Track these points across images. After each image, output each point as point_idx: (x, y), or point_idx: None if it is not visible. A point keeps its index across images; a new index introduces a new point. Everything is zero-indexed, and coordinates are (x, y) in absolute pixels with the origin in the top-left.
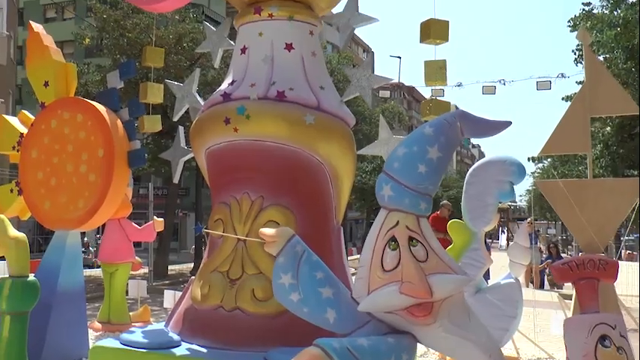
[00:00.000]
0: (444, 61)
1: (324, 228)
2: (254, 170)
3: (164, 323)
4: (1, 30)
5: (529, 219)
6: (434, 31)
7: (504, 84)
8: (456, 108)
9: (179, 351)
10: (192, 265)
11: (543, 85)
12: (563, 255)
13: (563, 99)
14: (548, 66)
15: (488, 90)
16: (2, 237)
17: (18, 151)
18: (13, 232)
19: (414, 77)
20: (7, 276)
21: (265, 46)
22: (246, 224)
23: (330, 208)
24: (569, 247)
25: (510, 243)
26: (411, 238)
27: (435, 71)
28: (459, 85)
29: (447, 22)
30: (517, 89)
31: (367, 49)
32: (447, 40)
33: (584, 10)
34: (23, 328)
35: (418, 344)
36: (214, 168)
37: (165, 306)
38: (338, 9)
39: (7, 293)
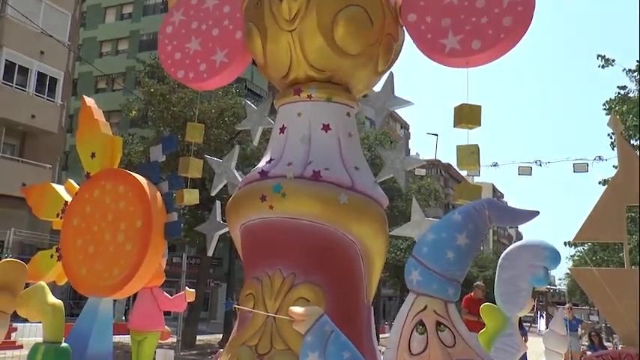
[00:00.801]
0: (476, 146)
1: (354, 307)
2: (287, 247)
3: None
4: (55, 99)
5: (568, 304)
6: (466, 115)
7: (540, 165)
8: (493, 187)
9: None
10: (220, 336)
11: (580, 168)
12: (607, 344)
13: (600, 182)
14: (586, 148)
15: (525, 171)
16: (41, 303)
17: (61, 218)
18: (51, 298)
19: (451, 154)
20: (42, 341)
21: (303, 126)
22: (277, 300)
23: (360, 288)
24: (614, 335)
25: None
26: (438, 323)
27: (468, 156)
28: (494, 165)
29: (479, 107)
30: (554, 171)
31: (405, 126)
32: (479, 124)
33: (619, 93)
34: None
35: None
36: (248, 243)
37: None
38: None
39: (40, 358)
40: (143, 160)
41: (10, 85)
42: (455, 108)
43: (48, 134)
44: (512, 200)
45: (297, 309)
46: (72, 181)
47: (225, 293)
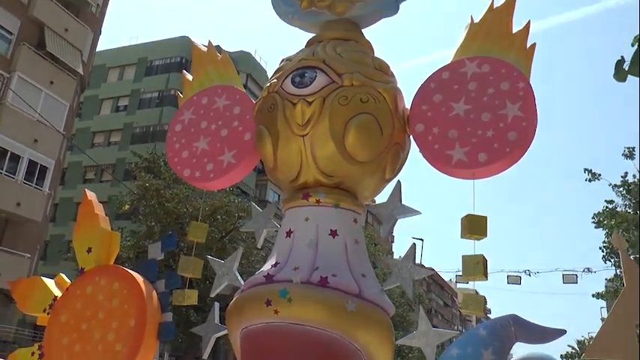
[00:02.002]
0: (482, 256)
1: None
2: (292, 353)
3: None
4: (43, 188)
5: None
6: (473, 226)
7: (530, 275)
8: (484, 300)
9: None
10: None
11: (569, 279)
12: None
13: (594, 296)
14: (574, 259)
15: (514, 280)
16: None
17: (48, 314)
18: None
19: (434, 259)
20: None
21: (311, 230)
22: None
23: None
24: None
25: None
26: None
27: (473, 266)
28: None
29: (485, 218)
30: (543, 281)
31: None
32: (485, 235)
33: (607, 207)
34: None
35: None
36: (249, 348)
37: None
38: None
39: None
40: (131, 254)
41: None
42: (462, 219)
43: (31, 222)
44: (498, 310)
45: None
46: (63, 276)
47: None
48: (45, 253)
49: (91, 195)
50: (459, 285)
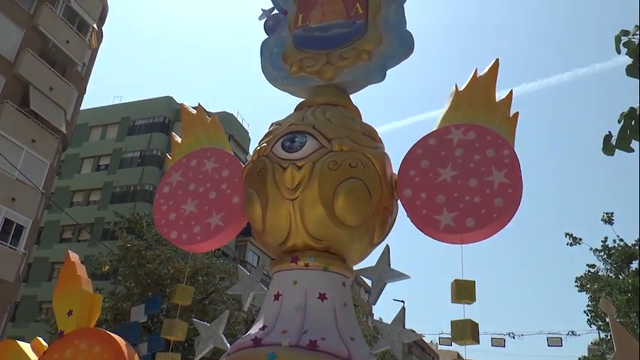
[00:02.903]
0: (470, 321)
1: None
2: None
3: None
4: (18, 248)
5: None
6: (462, 292)
7: (514, 337)
8: (458, 355)
9: None
10: None
11: (554, 342)
12: None
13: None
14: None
15: (498, 342)
16: None
17: None
18: None
19: (415, 321)
20: None
21: (299, 294)
22: None
23: None
24: None
25: None
26: None
27: (463, 331)
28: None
29: (473, 283)
30: (527, 344)
31: (369, 290)
32: (474, 300)
33: (589, 271)
34: None
35: None
36: None
37: None
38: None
39: None
40: (109, 316)
41: None
42: (451, 284)
43: (2, 283)
44: None
45: None
46: (40, 339)
47: None
48: (14, 314)
49: (73, 256)
50: (440, 347)
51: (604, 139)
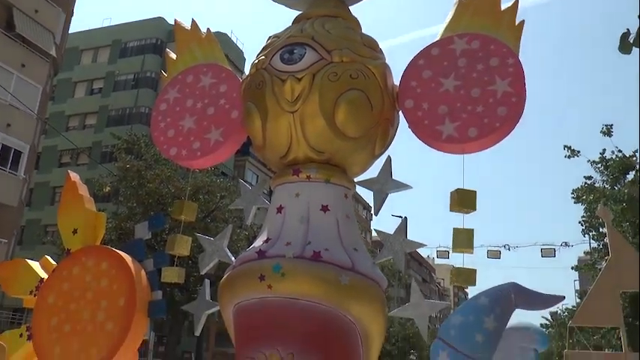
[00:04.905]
0: (472, 230)
1: None
2: (285, 327)
3: None
4: (18, 173)
5: None
6: (462, 200)
7: (509, 249)
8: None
9: None
10: None
11: (548, 253)
12: None
13: (572, 268)
14: (552, 235)
15: (494, 254)
16: None
17: (35, 295)
18: None
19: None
20: None
21: (302, 206)
22: None
23: None
24: None
25: None
26: None
27: (463, 240)
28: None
29: (474, 192)
30: (522, 255)
31: (367, 207)
32: (474, 209)
33: (585, 183)
34: None
35: None
36: (243, 323)
37: None
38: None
39: None
40: (114, 236)
41: None
42: (451, 193)
43: (6, 208)
44: (478, 284)
45: None
46: (49, 258)
47: None
48: (21, 238)
49: (74, 176)
50: (437, 261)
51: (621, 37)
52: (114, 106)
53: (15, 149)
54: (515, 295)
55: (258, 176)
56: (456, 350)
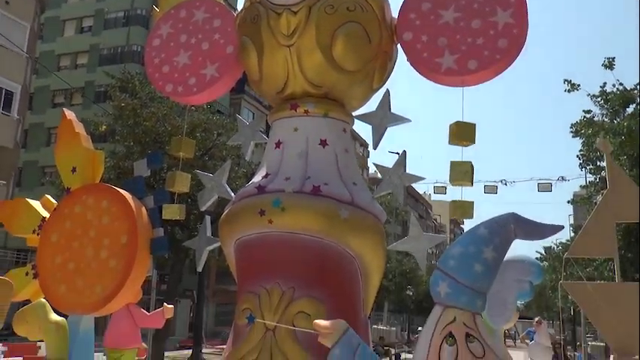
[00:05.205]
0: (470, 163)
1: (354, 321)
2: (286, 261)
3: None
4: (11, 114)
5: (537, 318)
6: (461, 133)
7: (506, 184)
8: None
9: None
10: (189, 352)
11: (544, 187)
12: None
13: (569, 202)
14: (548, 168)
15: (490, 189)
16: (43, 322)
17: (38, 234)
18: (53, 317)
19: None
20: None
21: (300, 141)
22: (276, 314)
23: (359, 302)
24: (569, 347)
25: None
26: (467, 335)
27: (461, 173)
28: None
29: (473, 125)
30: (518, 190)
31: (364, 144)
32: (473, 142)
33: (585, 117)
34: None
35: None
36: (244, 258)
37: None
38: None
39: None
40: (112, 175)
41: None
42: (450, 125)
43: (2, 149)
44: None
45: (323, 322)
46: (49, 197)
47: (189, 309)
48: (20, 180)
49: (69, 114)
50: (433, 197)
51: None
52: (105, 45)
53: (6, 89)
54: (515, 226)
55: (254, 114)
56: (456, 281)
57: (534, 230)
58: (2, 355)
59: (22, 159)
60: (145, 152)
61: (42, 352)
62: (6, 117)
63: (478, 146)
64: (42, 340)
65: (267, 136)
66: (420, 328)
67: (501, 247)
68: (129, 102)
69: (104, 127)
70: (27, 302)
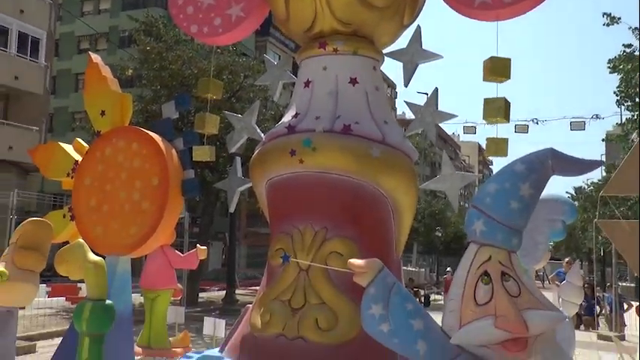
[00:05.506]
0: (504, 99)
1: (386, 261)
2: (318, 202)
3: (218, 349)
4: (39, 60)
5: (567, 259)
6: (496, 68)
7: (537, 123)
8: (479, 146)
9: None
10: (223, 293)
11: (577, 126)
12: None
13: (603, 140)
14: (578, 108)
15: (521, 129)
16: (82, 262)
17: (72, 177)
18: (92, 256)
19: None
20: (86, 299)
21: (330, 80)
22: (309, 254)
23: (391, 241)
24: (598, 288)
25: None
26: (503, 273)
27: (494, 109)
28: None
29: (508, 60)
30: (550, 130)
31: (392, 85)
32: (508, 77)
33: (624, 51)
34: (100, 349)
35: None
36: (276, 198)
37: (204, 332)
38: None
39: (87, 315)
40: (140, 119)
41: None
42: (484, 61)
43: (32, 96)
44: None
45: (358, 261)
46: (80, 140)
47: (221, 252)
48: (51, 125)
49: (95, 57)
50: (462, 138)
51: None
52: None
53: (32, 36)
54: (553, 161)
55: (279, 56)
56: (491, 218)
57: (573, 166)
58: (47, 295)
59: (52, 105)
60: (172, 96)
61: (83, 293)
62: (34, 64)
63: (508, 84)
64: (82, 281)
65: (296, 77)
66: (448, 269)
67: (538, 183)
68: (154, 46)
69: (130, 71)
70: (66, 244)
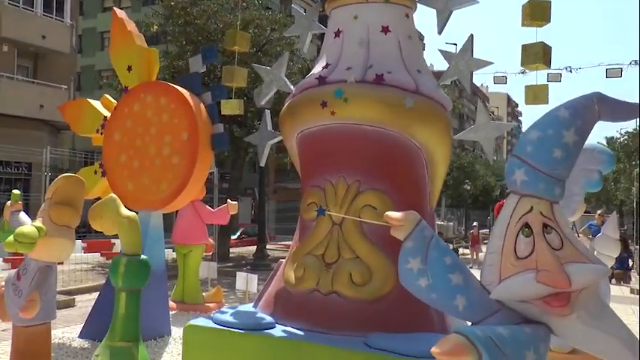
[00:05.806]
0: (542, 44)
1: (420, 214)
2: (351, 154)
3: (252, 304)
4: (64, 19)
5: (600, 211)
6: (535, 12)
7: (571, 71)
8: (508, 97)
9: (275, 332)
10: (253, 248)
11: (614, 73)
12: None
13: None
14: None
15: (554, 77)
16: (116, 217)
17: (101, 134)
18: (125, 211)
19: None
20: (121, 254)
21: (361, 29)
22: (343, 208)
23: (425, 193)
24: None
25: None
26: (545, 225)
27: (532, 55)
28: (522, 73)
29: (548, 3)
30: (584, 79)
31: (420, 37)
32: (548, 21)
33: None
34: (137, 304)
35: None
36: (308, 151)
37: (237, 287)
38: None
39: (122, 271)
40: (167, 75)
41: (16, 6)
42: (523, 6)
43: (60, 55)
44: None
45: (395, 214)
46: (108, 96)
47: (251, 207)
48: (79, 84)
49: (120, 12)
50: (490, 89)
51: None
52: None
53: None
54: (599, 105)
55: (305, 10)
56: (533, 167)
57: (622, 109)
58: (82, 251)
59: (80, 64)
60: (198, 51)
61: (117, 248)
62: (60, 22)
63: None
64: (116, 236)
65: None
66: (474, 224)
67: (583, 129)
68: (178, 1)
69: (155, 27)
70: (98, 199)
